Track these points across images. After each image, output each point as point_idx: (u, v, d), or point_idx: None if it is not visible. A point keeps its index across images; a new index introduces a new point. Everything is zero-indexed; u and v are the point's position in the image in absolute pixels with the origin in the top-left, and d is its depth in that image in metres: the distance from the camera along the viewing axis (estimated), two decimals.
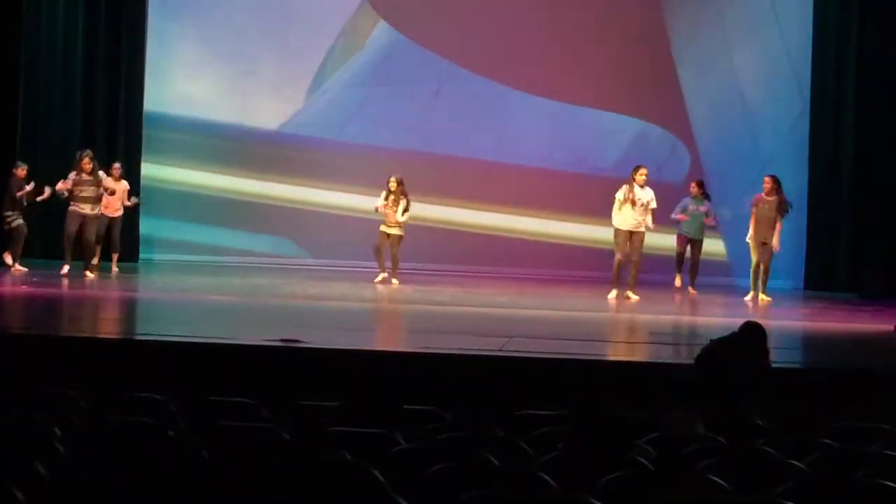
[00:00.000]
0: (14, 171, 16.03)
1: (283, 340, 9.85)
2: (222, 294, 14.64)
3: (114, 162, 16.82)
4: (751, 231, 15.31)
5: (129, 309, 13.72)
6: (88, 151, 16.01)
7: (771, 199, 15.21)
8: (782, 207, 15.21)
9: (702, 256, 16.46)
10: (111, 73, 18.39)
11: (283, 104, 18.77)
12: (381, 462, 4.98)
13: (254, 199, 18.40)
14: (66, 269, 15.66)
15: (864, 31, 17.36)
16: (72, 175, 15.82)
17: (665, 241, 16.87)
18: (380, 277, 15.98)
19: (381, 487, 4.57)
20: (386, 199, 16.00)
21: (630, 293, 15.04)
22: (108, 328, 11.80)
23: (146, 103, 18.50)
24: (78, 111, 18.23)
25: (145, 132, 18.45)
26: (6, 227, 15.95)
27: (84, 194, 15.79)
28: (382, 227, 16.07)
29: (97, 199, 15.88)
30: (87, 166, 15.79)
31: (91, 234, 15.84)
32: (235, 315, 13.10)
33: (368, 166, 18.32)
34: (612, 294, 15.09)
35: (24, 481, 4.27)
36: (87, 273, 15.63)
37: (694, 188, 16.29)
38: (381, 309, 13.70)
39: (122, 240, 16.73)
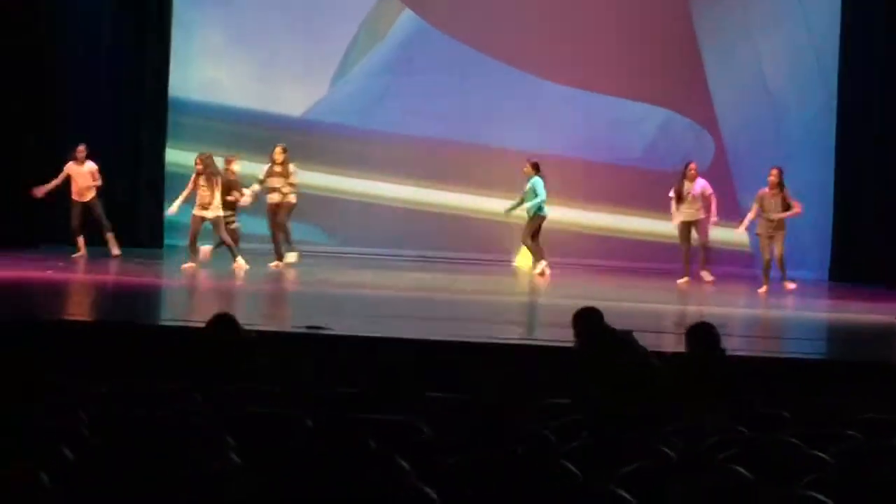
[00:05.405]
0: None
1: (308, 327, 9.88)
2: (248, 281, 14.68)
3: (79, 145, 16.38)
4: (759, 226, 15.23)
5: (153, 295, 13.76)
6: (282, 143, 15.93)
7: (775, 192, 15.11)
8: (786, 203, 15.10)
9: (722, 247, 16.45)
10: (137, 59, 18.42)
11: (307, 91, 18.79)
12: (407, 450, 4.98)
13: None
14: (278, 264, 15.67)
15: (892, 21, 17.25)
16: (265, 167, 15.80)
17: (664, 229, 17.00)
18: (188, 265, 15.12)
19: (406, 476, 4.58)
20: (195, 180, 15.25)
21: (704, 273, 15.86)
22: (132, 314, 11.83)
23: (171, 89, 18.54)
24: (103, 97, 18.25)
25: (170, 118, 18.49)
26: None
27: (272, 184, 15.73)
28: (195, 211, 15.26)
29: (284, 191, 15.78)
30: (279, 157, 15.75)
31: (282, 218, 15.77)
32: (261, 302, 13.14)
33: (393, 154, 18.34)
34: (683, 280, 15.73)
35: (50, 466, 4.30)
36: (283, 261, 15.74)
37: (526, 168, 16.24)
38: (407, 297, 13.72)
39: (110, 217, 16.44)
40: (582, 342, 7.31)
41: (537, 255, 16.18)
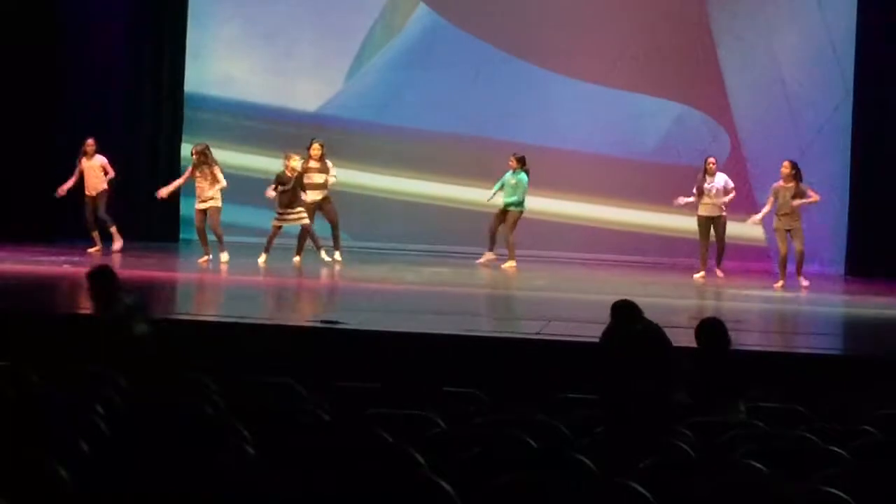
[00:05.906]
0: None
1: (323, 321, 9.88)
2: (262, 275, 14.69)
3: (87, 139, 16.16)
4: (775, 221, 15.22)
5: (168, 288, 13.78)
6: (318, 138, 15.84)
7: (790, 185, 15.12)
8: (799, 195, 15.10)
9: (737, 242, 16.43)
10: (152, 54, 18.44)
11: (321, 86, 18.78)
12: (421, 444, 4.99)
13: None
14: (297, 259, 15.56)
15: None
16: (302, 164, 15.62)
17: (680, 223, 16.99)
18: (203, 258, 15.16)
19: (420, 469, 4.59)
20: (191, 173, 15.19)
21: (717, 270, 15.91)
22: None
23: (186, 84, 18.56)
24: (119, 93, 18.28)
25: (186, 113, 18.50)
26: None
27: (312, 181, 15.61)
28: (196, 205, 15.24)
29: (324, 186, 15.71)
30: (317, 153, 15.67)
31: (332, 215, 15.76)
32: (275, 296, 13.14)
33: (408, 149, 18.33)
34: (700, 274, 15.82)
35: (67, 459, 4.31)
36: (324, 255, 15.59)
37: (512, 162, 16.23)
38: (423, 292, 13.71)
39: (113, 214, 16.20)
40: (606, 335, 7.31)
41: (512, 252, 16.15)
